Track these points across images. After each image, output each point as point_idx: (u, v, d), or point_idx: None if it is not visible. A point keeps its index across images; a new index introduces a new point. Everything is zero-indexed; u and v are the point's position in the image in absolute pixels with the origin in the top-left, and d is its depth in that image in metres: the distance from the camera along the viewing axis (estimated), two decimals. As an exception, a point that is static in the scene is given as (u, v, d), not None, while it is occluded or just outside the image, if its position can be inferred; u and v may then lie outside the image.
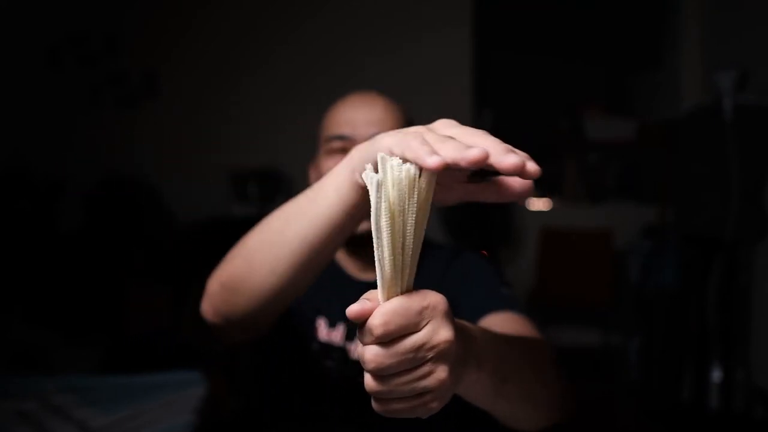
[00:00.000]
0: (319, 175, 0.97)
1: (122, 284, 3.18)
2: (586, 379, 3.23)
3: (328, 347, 0.97)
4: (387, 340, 0.43)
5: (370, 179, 0.43)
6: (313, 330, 0.98)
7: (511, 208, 3.94)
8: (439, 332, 0.44)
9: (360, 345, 0.44)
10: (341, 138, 0.96)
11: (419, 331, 0.43)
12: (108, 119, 3.69)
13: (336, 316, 0.99)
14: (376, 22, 3.77)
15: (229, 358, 2.12)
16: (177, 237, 3.45)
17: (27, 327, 2.90)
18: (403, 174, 0.42)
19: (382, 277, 0.44)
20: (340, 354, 0.97)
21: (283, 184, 3.57)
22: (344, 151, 0.95)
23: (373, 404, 0.46)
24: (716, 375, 2.76)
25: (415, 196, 0.43)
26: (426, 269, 1.03)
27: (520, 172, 0.43)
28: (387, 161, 0.43)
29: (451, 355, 0.45)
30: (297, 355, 1.00)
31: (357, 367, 0.90)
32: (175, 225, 3.54)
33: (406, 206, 0.43)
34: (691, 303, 2.85)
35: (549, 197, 4.16)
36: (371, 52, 3.74)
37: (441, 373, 0.44)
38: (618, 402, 3.13)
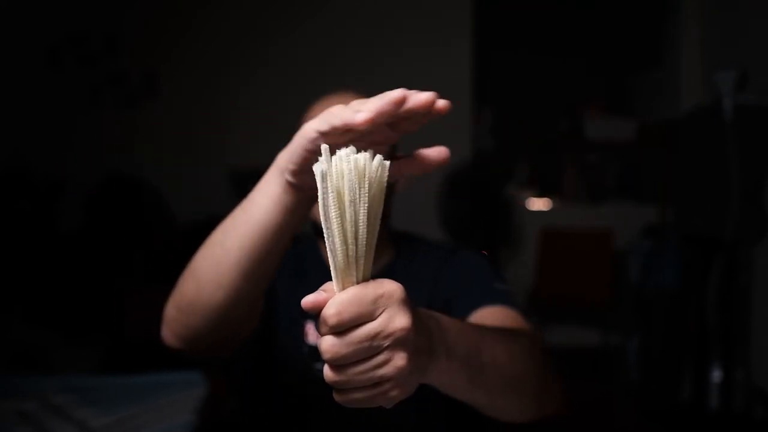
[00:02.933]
0: None
1: (122, 284, 3.18)
2: (585, 379, 3.23)
3: (317, 350, 0.97)
4: (341, 329, 0.43)
5: (315, 170, 0.43)
6: (302, 334, 0.98)
7: (511, 208, 3.94)
8: (394, 320, 0.44)
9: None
10: None
11: (374, 319, 0.44)
12: (108, 119, 3.69)
13: None
14: (376, 22, 3.77)
15: (228, 358, 2.12)
16: (177, 237, 3.45)
17: (27, 327, 2.90)
18: (352, 164, 0.42)
19: (335, 268, 0.44)
20: None
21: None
22: None
23: (334, 395, 0.46)
24: (716, 375, 2.76)
25: (366, 185, 0.42)
26: (424, 268, 1.02)
27: (433, 105, 0.49)
28: (335, 152, 0.43)
29: (409, 342, 0.45)
30: (286, 359, 0.99)
31: None
32: (175, 225, 3.54)
33: (357, 196, 0.42)
34: (691, 303, 2.85)
35: (549, 197, 4.16)
36: (371, 52, 3.74)
37: (398, 360, 0.44)
38: (617, 402, 3.13)
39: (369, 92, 1.04)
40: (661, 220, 3.65)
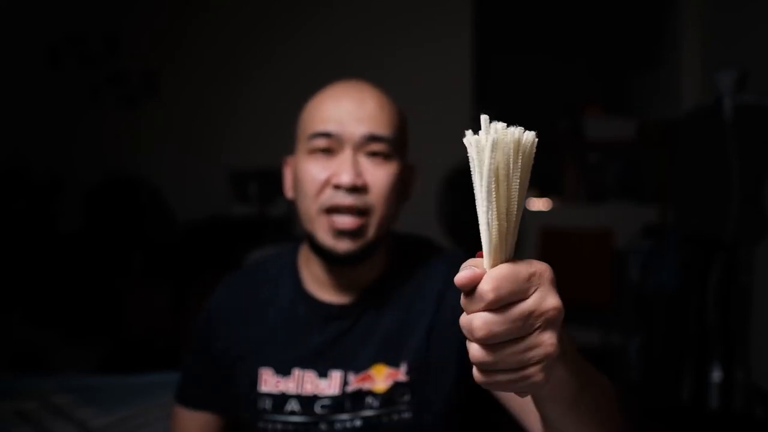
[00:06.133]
0: (296, 175, 0.88)
1: (122, 284, 3.18)
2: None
3: (276, 399, 0.87)
4: (498, 306, 0.42)
5: (476, 142, 0.42)
6: (256, 384, 0.88)
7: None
8: (547, 299, 0.43)
9: (464, 315, 0.43)
10: (327, 135, 0.84)
11: (528, 298, 0.43)
12: (108, 119, 3.69)
13: (290, 361, 0.88)
14: (376, 24, 3.77)
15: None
16: (177, 237, 3.45)
17: (27, 327, 2.90)
18: (509, 137, 0.41)
19: (489, 243, 0.43)
20: (297, 402, 0.87)
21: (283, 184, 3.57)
22: (330, 151, 0.84)
23: (476, 375, 0.44)
24: (716, 375, 2.76)
25: (520, 160, 0.42)
26: (426, 281, 0.90)
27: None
28: (492, 124, 0.42)
29: (559, 325, 0.44)
30: (241, 416, 0.91)
31: (320, 416, 0.86)
32: (175, 225, 3.54)
33: (511, 170, 0.42)
34: (691, 303, 2.85)
35: (549, 197, 4.16)
36: (372, 53, 3.74)
37: (549, 343, 0.43)
38: (618, 402, 3.13)
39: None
40: (661, 220, 3.65)
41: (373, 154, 0.84)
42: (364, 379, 0.86)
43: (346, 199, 0.82)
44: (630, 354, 3.30)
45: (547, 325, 0.43)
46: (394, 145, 0.86)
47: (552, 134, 4.60)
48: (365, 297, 0.90)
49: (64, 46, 3.64)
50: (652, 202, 3.83)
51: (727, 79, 2.65)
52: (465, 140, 0.42)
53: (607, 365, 3.54)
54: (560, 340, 0.44)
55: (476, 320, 0.42)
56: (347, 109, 0.84)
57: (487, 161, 0.41)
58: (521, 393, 0.46)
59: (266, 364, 0.88)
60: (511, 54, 5.08)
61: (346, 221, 0.82)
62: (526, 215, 3.94)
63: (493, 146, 0.41)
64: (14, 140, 3.50)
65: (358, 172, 0.82)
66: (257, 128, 3.72)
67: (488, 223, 0.43)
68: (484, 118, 0.42)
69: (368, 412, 0.85)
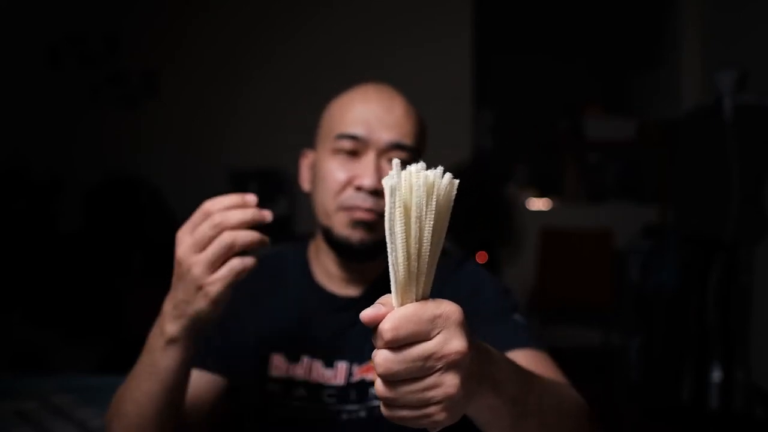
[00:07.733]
0: (316, 171, 0.90)
1: (122, 284, 3.18)
2: (586, 379, 3.23)
3: (286, 383, 0.88)
4: (396, 345, 0.43)
5: (384, 184, 0.43)
6: (266, 369, 0.89)
7: (511, 208, 3.94)
8: (450, 342, 0.43)
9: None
10: (353, 138, 0.85)
11: (430, 339, 0.43)
12: (108, 119, 3.69)
13: (300, 349, 0.89)
14: (376, 24, 3.77)
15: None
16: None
17: (27, 327, 2.90)
18: (421, 180, 0.41)
19: (396, 282, 0.44)
20: (304, 389, 0.88)
21: (284, 184, 3.57)
22: (354, 153, 0.86)
23: (382, 409, 0.46)
24: (716, 375, 2.76)
25: (434, 202, 0.42)
26: None
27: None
28: (405, 168, 0.42)
29: (463, 367, 0.44)
30: (249, 402, 0.91)
31: (329, 401, 0.86)
32: (175, 225, 3.53)
33: (424, 212, 0.42)
34: (691, 303, 2.85)
35: (549, 197, 4.16)
36: (372, 53, 3.74)
37: (450, 385, 0.43)
38: (618, 402, 3.13)
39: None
40: (661, 220, 3.66)
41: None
42: (367, 370, 0.88)
43: (365, 202, 0.84)
44: (630, 354, 3.30)
45: (449, 367, 0.43)
46: (415, 155, 0.87)
47: (552, 134, 4.61)
48: (372, 290, 0.91)
49: (64, 46, 3.64)
50: (652, 202, 3.83)
51: (727, 79, 2.65)
52: (382, 181, 0.43)
53: (607, 365, 3.54)
54: (466, 381, 0.45)
55: (378, 357, 0.43)
56: (376, 114, 0.86)
57: (387, 205, 0.42)
58: (428, 429, 0.47)
59: (277, 349, 0.90)
60: (511, 54, 5.08)
61: (364, 214, 0.84)
62: (526, 215, 3.95)
63: (392, 191, 0.42)
64: (14, 140, 3.50)
65: (380, 177, 0.84)
66: (257, 128, 3.72)
67: (393, 264, 0.43)
68: (395, 162, 0.42)
69: (373, 403, 0.87)
